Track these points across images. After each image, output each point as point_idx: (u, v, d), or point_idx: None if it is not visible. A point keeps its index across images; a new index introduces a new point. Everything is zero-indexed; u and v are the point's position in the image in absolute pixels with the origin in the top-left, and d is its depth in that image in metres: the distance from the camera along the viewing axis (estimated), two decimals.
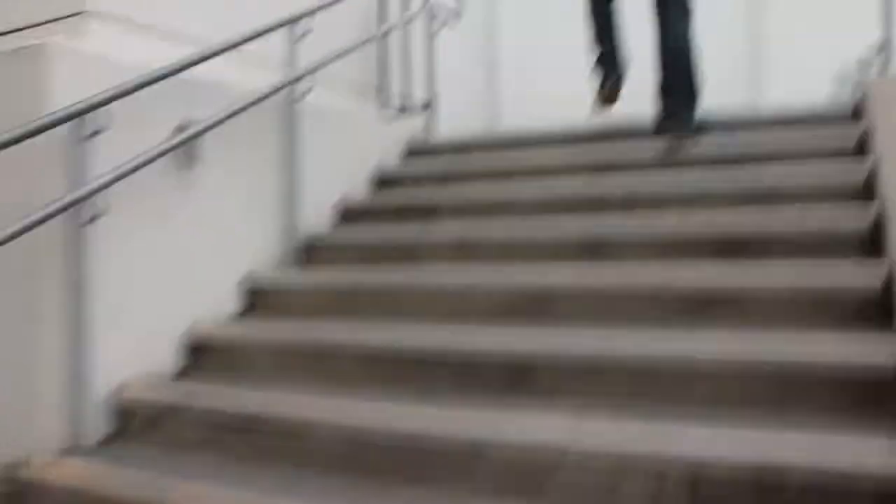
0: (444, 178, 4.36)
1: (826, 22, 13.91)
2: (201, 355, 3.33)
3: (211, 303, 3.48)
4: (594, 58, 4.00)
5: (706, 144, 3.94)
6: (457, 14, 5.21)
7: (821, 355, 2.35)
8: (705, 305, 2.81)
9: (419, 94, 5.18)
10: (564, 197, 3.81)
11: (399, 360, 2.91)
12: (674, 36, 3.72)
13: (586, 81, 4.04)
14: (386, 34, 4.94)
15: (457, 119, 5.41)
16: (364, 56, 4.93)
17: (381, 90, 5.09)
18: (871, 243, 2.94)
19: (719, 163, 3.81)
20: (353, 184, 4.42)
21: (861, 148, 3.62)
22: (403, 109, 5.09)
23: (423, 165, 4.58)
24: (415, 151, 4.81)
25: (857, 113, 3.98)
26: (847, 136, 3.76)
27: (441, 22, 5.11)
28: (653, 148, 3.98)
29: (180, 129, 3.09)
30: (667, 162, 3.90)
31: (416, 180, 4.46)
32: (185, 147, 3.15)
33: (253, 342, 3.30)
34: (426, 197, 4.20)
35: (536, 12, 6.80)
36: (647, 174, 3.89)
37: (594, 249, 3.39)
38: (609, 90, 3.95)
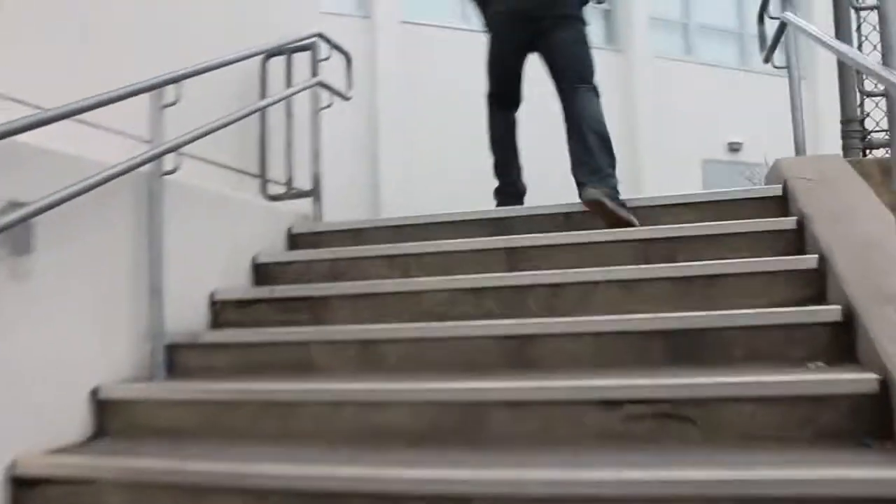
0: (334, 269, 3.81)
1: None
2: (33, 498, 2.57)
3: (48, 428, 2.73)
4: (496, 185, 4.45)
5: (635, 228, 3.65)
6: (345, 95, 4.74)
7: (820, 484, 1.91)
8: (665, 420, 2.35)
9: (303, 178, 4.64)
10: (477, 288, 3.35)
11: (293, 499, 2.29)
12: (589, 114, 4.06)
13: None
14: (265, 110, 4.43)
15: (343, 205, 4.91)
16: (243, 134, 4.40)
17: (262, 172, 4.55)
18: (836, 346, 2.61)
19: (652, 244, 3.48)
20: (230, 276, 3.79)
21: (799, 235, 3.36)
22: (287, 194, 4.54)
23: (310, 255, 4.00)
24: (301, 239, 4.24)
25: (784, 196, 3.75)
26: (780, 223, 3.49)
27: (327, 102, 4.62)
28: (565, 233, 3.67)
29: (8, 208, 2.43)
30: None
31: (304, 271, 3.88)
32: (17, 229, 2.48)
33: (101, 477, 2.56)
34: (317, 290, 3.62)
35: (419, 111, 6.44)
36: (567, 257, 3.49)
37: (519, 351, 2.92)
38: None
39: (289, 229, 4.26)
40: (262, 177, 4.56)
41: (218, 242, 3.72)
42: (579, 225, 3.83)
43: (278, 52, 4.48)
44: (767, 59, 4.71)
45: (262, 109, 4.35)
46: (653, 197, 4.14)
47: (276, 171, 4.64)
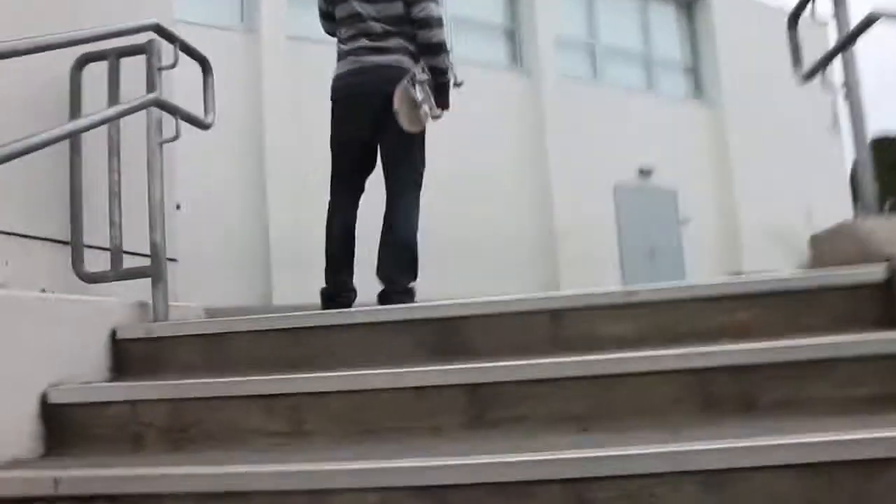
0: (177, 418, 2.19)
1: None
2: None
3: None
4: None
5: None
6: (201, 121, 3.13)
7: None
8: None
9: (140, 246, 2.97)
10: (427, 487, 1.80)
11: None
12: (404, 225, 3.55)
13: None
14: (80, 145, 2.79)
15: (219, 268, 3.27)
16: (41, 180, 2.74)
17: (75, 237, 2.87)
18: None
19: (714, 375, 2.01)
20: None
21: None
22: (113, 273, 2.87)
23: (138, 391, 2.36)
24: (131, 351, 2.59)
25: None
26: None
27: (175, 132, 2.97)
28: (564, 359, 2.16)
29: None
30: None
31: (127, 420, 2.25)
32: None
33: None
34: (139, 481, 1.97)
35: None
36: (575, 403, 2.01)
37: None
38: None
39: (113, 333, 2.61)
40: (75, 244, 2.87)
41: None
42: (579, 335, 2.34)
43: (97, 55, 2.84)
44: (812, 76, 3.23)
45: (70, 137, 2.69)
46: (691, 286, 2.63)
47: (100, 233, 2.96)
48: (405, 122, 3.43)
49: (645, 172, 15.71)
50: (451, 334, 2.38)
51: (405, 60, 3.52)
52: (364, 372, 2.15)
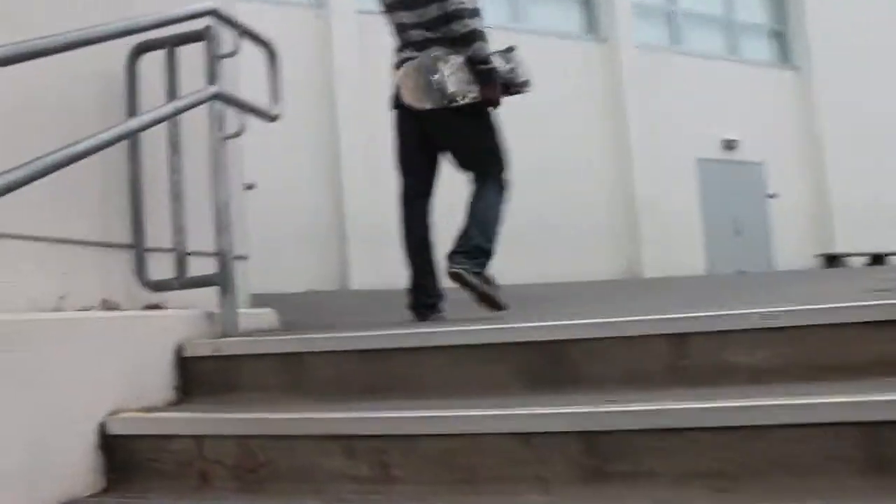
0: (246, 459, 1.93)
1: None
2: None
3: None
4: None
5: None
6: (266, 113, 2.85)
7: None
8: None
9: (205, 249, 2.72)
10: None
11: None
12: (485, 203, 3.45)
13: None
14: (139, 142, 2.55)
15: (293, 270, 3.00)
16: (96, 180, 2.52)
17: (138, 241, 2.64)
18: None
19: None
20: (42, 473, 1.91)
21: None
22: (178, 281, 2.63)
23: (203, 425, 2.11)
24: (197, 371, 2.35)
25: None
26: None
27: (240, 126, 2.70)
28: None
29: None
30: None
31: (191, 458, 2.01)
32: None
33: None
34: None
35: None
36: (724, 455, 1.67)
37: None
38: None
39: (178, 350, 2.38)
40: (138, 248, 2.64)
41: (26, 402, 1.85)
42: (705, 364, 1.99)
43: (153, 44, 2.59)
44: None
45: (129, 137, 2.44)
46: (845, 307, 2.11)
47: (164, 236, 2.73)
48: (406, 95, 3.36)
49: (729, 144, 14.96)
50: (553, 361, 2.06)
51: None
52: (459, 413, 1.84)
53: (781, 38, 16.67)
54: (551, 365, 2.07)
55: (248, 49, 2.80)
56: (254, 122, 2.82)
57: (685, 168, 14.41)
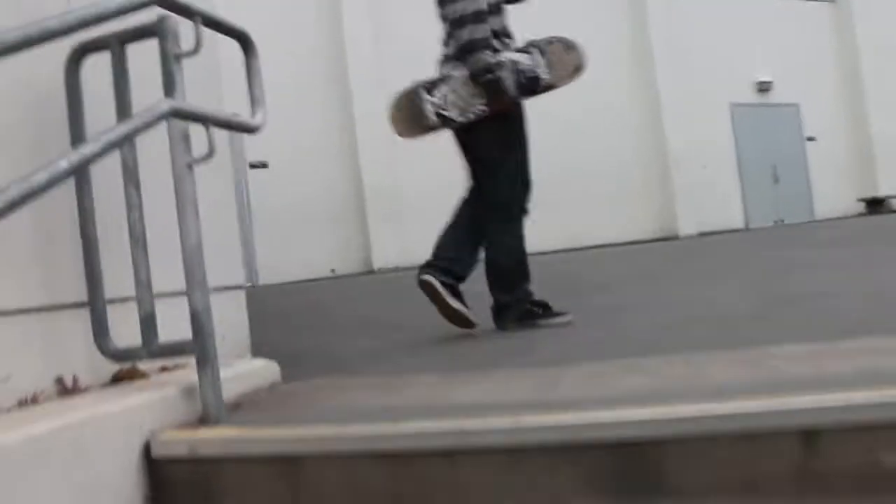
0: None
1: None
2: None
3: None
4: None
5: None
6: (248, 125, 2.26)
7: None
8: None
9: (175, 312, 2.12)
10: None
11: None
12: (493, 247, 3.20)
13: None
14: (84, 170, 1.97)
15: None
16: (32, 229, 1.96)
17: (91, 302, 2.07)
18: None
19: None
20: None
21: None
22: (144, 350, 2.07)
23: None
24: (172, 478, 1.81)
25: None
26: None
27: (209, 146, 2.08)
28: None
29: None
30: None
31: None
32: None
33: None
34: None
35: None
36: None
37: None
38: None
39: (146, 448, 1.83)
40: (95, 308, 2.07)
41: None
42: (848, 468, 1.41)
43: (96, 44, 2.00)
44: None
45: (76, 173, 1.87)
46: None
47: (128, 287, 2.16)
48: (394, 126, 3.26)
49: (763, 87, 14.11)
50: (636, 466, 1.49)
51: None
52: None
53: None
54: (635, 472, 1.50)
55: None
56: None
57: (718, 114, 13.61)
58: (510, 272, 3.12)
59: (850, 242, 6.17)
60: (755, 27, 13.99)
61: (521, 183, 3.15)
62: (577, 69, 3.22)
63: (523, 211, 3.18)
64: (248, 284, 9.57)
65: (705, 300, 3.42)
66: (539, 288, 3.23)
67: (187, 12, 1.92)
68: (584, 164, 11.88)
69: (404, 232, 10.22)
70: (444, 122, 3.11)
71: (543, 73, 3.13)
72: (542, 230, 11.43)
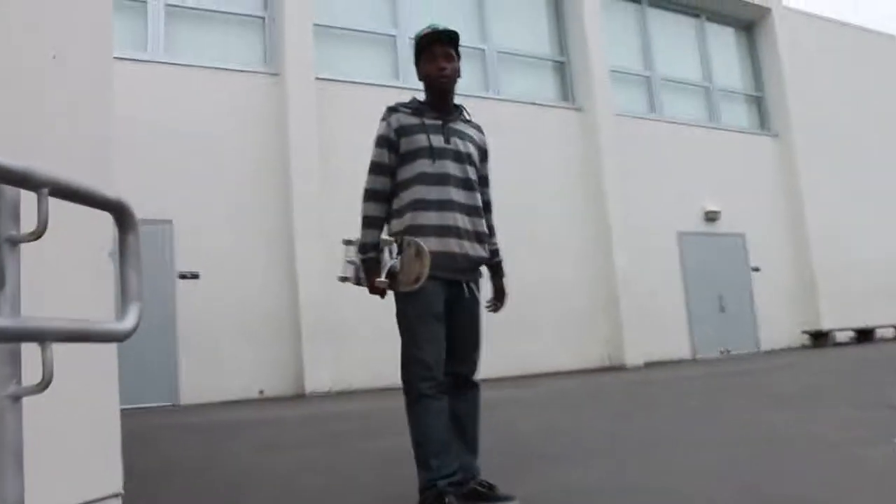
0: None
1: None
2: None
3: None
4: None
5: None
6: (114, 333, 1.66)
7: None
8: None
9: None
10: None
11: None
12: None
13: None
14: None
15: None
16: None
17: None
18: None
19: None
20: None
21: None
22: None
23: None
24: None
25: None
26: None
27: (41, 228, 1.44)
28: None
29: None
30: None
31: None
32: None
33: None
34: None
35: None
36: None
37: None
38: None
39: None
40: None
41: None
42: None
43: None
44: None
45: None
46: None
47: None
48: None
49: (711, 217, 14.04)
50: None
51: None
52: None
53: (759, 104, 15.96)
54: None
55: None
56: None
57: (666, 239, 13.43)
58: (414, 454, 2.85)
59: (819, 396, 5.72)
60: (705, 156, 14.06)
61: (414, 363, 2.83)
62: (418, 279, 2.81)
63: (423, 395, 2.81)
64: (170, 405, 8.75)
65: (684, 496, 2.84)
66: (485, 449, 2.82)
67: (26, 181, 1.35)
68: (530, 290, 11.45)
69: (341, 352, 9.54)
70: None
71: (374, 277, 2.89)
72: (488, 354, 10.95)
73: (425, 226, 2.85)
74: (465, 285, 2.94)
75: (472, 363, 3.01)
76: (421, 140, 2.91)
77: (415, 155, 2.89)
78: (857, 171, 15.91)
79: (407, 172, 2.90)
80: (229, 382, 9.09)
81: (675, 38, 14.99)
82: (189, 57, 9.86)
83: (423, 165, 2.88)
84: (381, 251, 2.86)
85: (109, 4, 2.67)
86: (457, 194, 2.91)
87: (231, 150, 9.81)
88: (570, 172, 12.63)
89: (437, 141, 2.92)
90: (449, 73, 3.01)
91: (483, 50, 12.49)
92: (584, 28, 12.99)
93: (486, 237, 3.05)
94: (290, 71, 10.16)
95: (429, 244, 2.80)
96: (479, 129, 3.14)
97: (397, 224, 2.90)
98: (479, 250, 3.00)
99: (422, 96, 3.08)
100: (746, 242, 14.48)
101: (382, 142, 2.94)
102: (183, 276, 9.09)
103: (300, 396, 9.26)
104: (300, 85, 10.15)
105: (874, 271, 15.69)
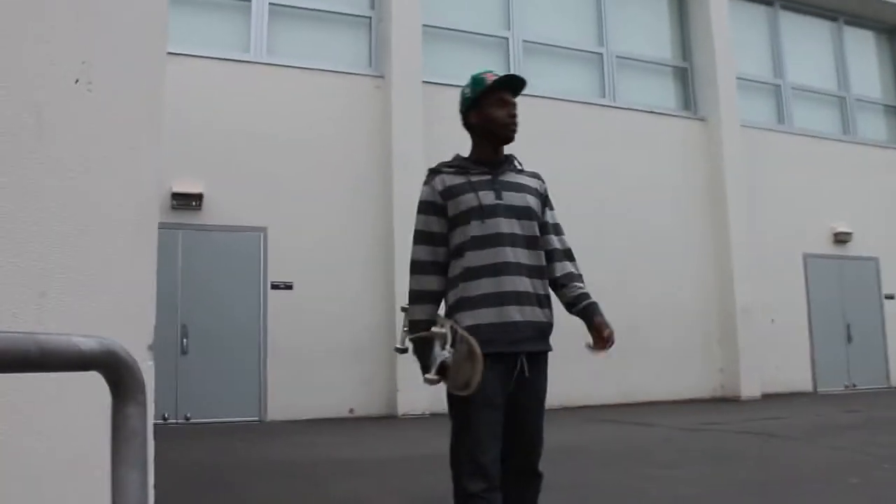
0: None
1: None
2: None
3: None
4: None
5: None
6: None
7: None
8: None
9: None
10: None
11: None
12: None
13: None
14: None
15: None
16: None
17: None
18: None
19: None
20: None
21: None
22: None
23: None
24: None
25: None
26: None
27: None
28: None
29: None
30: None
31: None
32: None
33: None
34: None
35: None
36: None
37: None
38: None
39: None
40: None
41: None
42: None
43: None
44: None
45: None
46: None
47: None
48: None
49: (841, 239, 12.77)
50: None
51: None
52: None
53: None
54: None
55: None
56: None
57: (791, 263, 12.27)
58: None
59: None
60: (835, 174, 12.81)
61: (464, 460, 2.47)
62: (468, 385, 2.41)
63: (472, 496, 2.41)
64: (256, 420, 8.38)
65: None
66: None
67: None
68: (643, 311, 10.61)
69: None
70: None
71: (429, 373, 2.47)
72: (594, 380, 10.18)
73: (477, 296, 2.53)
74: (524, 359, 2.55)
75: (537, 453, 2.62)
76: (469, 200, 2.58)
77: (464, 217, 2.58)
78: None
79: (457, 238, 2.60)
80: (319, 400, 8.65)
81: (808, 44, 13.72)
82: (291, 58, 9.45)
83: (474, 228, 2.56)
84: (432, 342, 2.48)
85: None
86: (514, 254, 2.57)
87: (331, 156, 9.35)
88: (691, 187, 11.66)
89: (488, 198, 2.59)
90: (517, 121, 2.71)
91: (600, 54, 11.64)
92: (711, 31, 11.95)
93: (548, 301, 2.67)
94: (397, 73, 9.62)
95: (482, 316, 2.50)
96: (535, 175, 2.79)
97: (452, 296, 2.59)
98: (543, 315, 2.62)
99: (465, 152, 2.76)
100: (880, 267, 13.13)
101: (427, 208, 2.65)
102: (276, 287, 8.69)
103: (392, 417, 8.74)
104: (406, 89, 9.60)
105: None
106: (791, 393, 11.70)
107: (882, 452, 5.57)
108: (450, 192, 2.61)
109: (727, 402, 10.92)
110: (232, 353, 8.36)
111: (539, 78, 10.91)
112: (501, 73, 2.72)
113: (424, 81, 9.74)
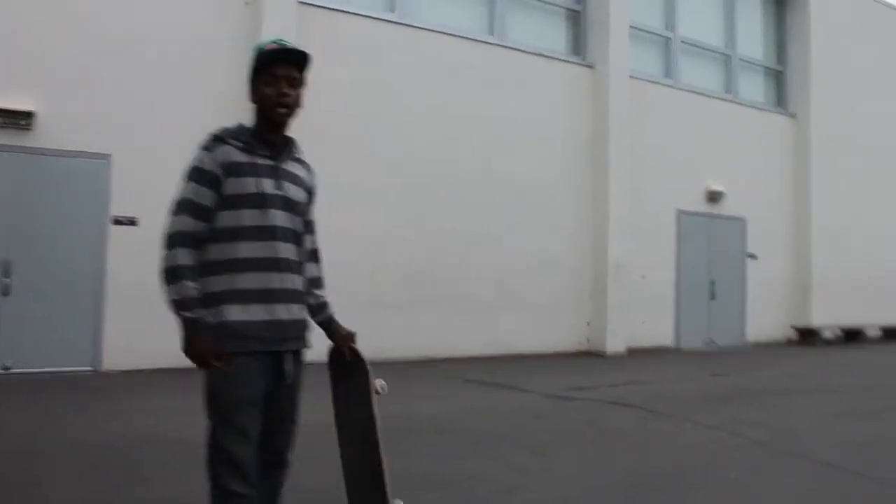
0: None
1: None
2: None
3: None
4: None
5: None
6: None
7: None
8: None
9: None
10: None
11: None
12: None
13: None
14: None
15: None
16: None
17: None
18: None
19: None
20: None
21: None
22: None
23: None
24: None
25: None
26: None
27: None
28: None
29: None
30: None
31: None
32: None
33: None
34: None
35: None
36: None
37: None
38: None
39: None
40: None
41: None
42: None
43: None
44: None
45: None
46: None
47: None
48: None
49: (714, 198, 12.79)
50: None
51: None
52: None
53: (780, 79, 14.52)
54: None
55: None
56: None
57: (664, 218, 12.18)
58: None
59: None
60: (713, 133, 12.72)
61: (221, 461, 2.36)
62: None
63: (231, 493, 2.34)
64: (89, 369, 7.49)
65: None
66: None
67: None
68: (515, 264, 10.26)
69: None
70: None
71: None
72: (460, 331, 9.77)
73: (248, 290, 2.37)
74: (291, 355, 2.48)
75: (289, 438, 2.57)
76: (250, 185, 2.39)
77: (241, 202, 2.37)
78: (874, 159, 14.70)
79: (227, 221, 2.37)
80: (162, 345, 7.81)
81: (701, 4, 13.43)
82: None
83: (250, 217, 2.38)
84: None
85: None
86: (286, 250, 2.45)
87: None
88: (575, 137, 11.24)
89: (269, 187, 2.42)
90: (290, 101, 2.46)
91: None
92: None
93: (306, 298, 2.59)
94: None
95: (254, 313, 2.37)
96: (309, 168, 2.64)
97: (215, 284, 2.36)
98: (302, 313, 2.55)
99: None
100: (746, 228, 13.29)
101: (202, 177, 2.36)
102: (119, 222, 7.69)
103: None
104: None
105: (873, 271, 14.65)
106: (654, 348, 11.74)
107: (755, 435, 5.41)
108: (231, 169, 2.37)
109: (592, 356, 10.81)
110: (65, 295, 7.37)
111: (427, 10, 10.12)
112: (289, 45, 2.45)
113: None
